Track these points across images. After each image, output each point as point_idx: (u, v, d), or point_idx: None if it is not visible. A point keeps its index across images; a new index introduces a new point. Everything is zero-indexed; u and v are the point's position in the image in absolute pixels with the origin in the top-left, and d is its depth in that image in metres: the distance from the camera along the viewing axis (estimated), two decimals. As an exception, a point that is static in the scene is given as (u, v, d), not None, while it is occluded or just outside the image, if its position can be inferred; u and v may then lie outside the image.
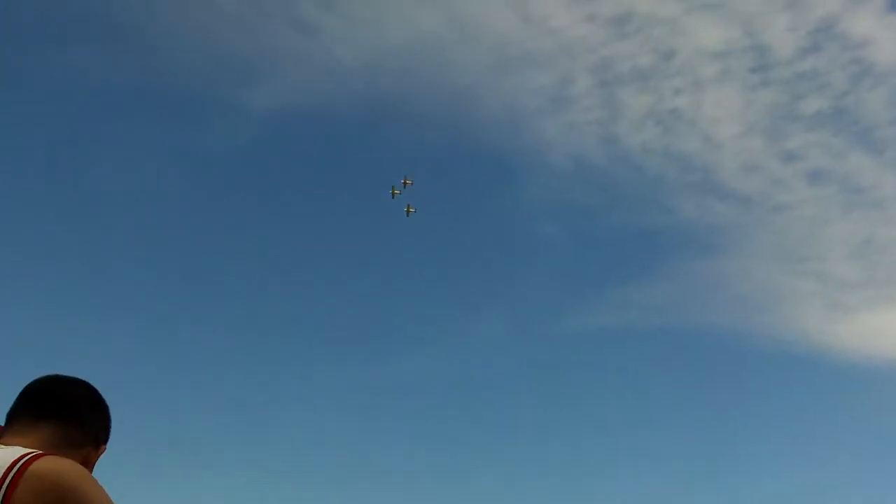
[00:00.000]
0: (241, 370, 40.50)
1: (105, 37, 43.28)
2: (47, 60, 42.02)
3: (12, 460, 2.07)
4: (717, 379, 42.82)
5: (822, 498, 38.27)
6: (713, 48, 42.14)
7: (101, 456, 2.43)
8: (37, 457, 2.09)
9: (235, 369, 40.48)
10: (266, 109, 43.16)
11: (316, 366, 41.71)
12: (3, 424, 2.33)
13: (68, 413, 2.32)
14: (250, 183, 46.48)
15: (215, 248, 45.09)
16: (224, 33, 42.90)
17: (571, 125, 42.62)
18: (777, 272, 43.65)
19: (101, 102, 43.76)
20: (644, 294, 43.07)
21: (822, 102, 41.11)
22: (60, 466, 2.10)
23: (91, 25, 42.83)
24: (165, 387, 39.18)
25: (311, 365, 42.04)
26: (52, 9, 42.49)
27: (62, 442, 2.27)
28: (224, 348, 40.90)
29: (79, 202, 42.95)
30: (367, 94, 43.59)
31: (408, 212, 32.99)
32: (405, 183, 32.70)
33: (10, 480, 2.02)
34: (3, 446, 2.16)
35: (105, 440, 2.43)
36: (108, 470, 2.44)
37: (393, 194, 32.81)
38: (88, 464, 2.36)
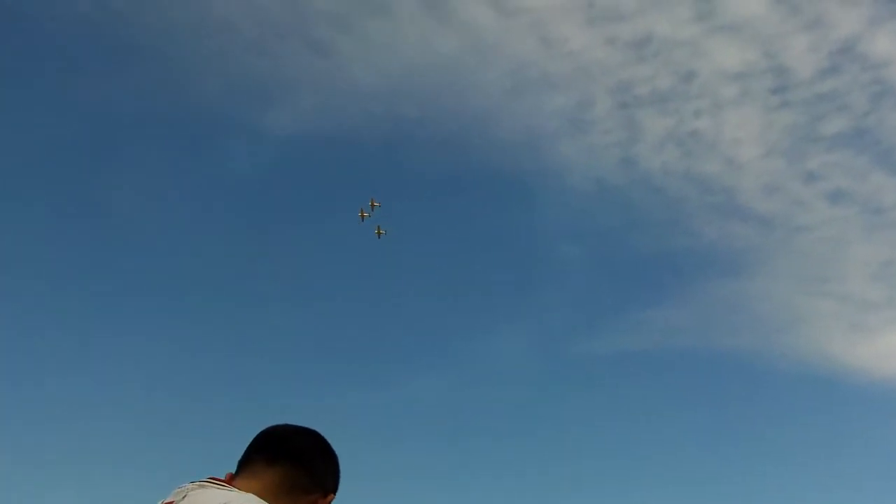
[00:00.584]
0: (260, 393, 40.46)
1: (124, 61, 43.82)
2: (67, 84, 42.63)
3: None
4: (738, 401, 42.71)
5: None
6: (733, 70, 42.45)
7: None
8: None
9: (254, 392, 40.48)
10: (284, 132, 43.49)
11: (335, 388, 41.96)
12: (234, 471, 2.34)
13: (299, 459, 2.33)
14: (270, 205, 46.72)
15: (236, 270, 45.44)
16: (243, 57, 43.28)
17: (591, 147, 42.73)
18: (798, 293, 43.53)
19: (120, 126, 44.13)
20: (665, 316, 43.07)
21: (843, 123, 41.13)
22: None
23: (110, 50, 43.29)
24: (177, 409, 39.27)
25: (332, 387, 42.33)
26: (72, 33, 42.92)
27: (292, 486, 2.29)
28: (244, 372, 41.13)
29: (99, 227, 43.26)
30: (386, 116, 43.72)
31: (378, 234, 32.44)
32: (372, 205, 32.20)
33: None
34: (228, 489, 2.19)
35: (334, 489, 2.41)
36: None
37: (362, 217, 32.23)
38: None
